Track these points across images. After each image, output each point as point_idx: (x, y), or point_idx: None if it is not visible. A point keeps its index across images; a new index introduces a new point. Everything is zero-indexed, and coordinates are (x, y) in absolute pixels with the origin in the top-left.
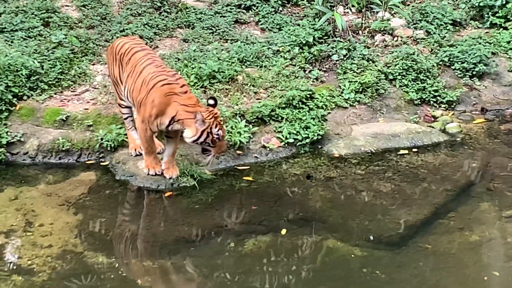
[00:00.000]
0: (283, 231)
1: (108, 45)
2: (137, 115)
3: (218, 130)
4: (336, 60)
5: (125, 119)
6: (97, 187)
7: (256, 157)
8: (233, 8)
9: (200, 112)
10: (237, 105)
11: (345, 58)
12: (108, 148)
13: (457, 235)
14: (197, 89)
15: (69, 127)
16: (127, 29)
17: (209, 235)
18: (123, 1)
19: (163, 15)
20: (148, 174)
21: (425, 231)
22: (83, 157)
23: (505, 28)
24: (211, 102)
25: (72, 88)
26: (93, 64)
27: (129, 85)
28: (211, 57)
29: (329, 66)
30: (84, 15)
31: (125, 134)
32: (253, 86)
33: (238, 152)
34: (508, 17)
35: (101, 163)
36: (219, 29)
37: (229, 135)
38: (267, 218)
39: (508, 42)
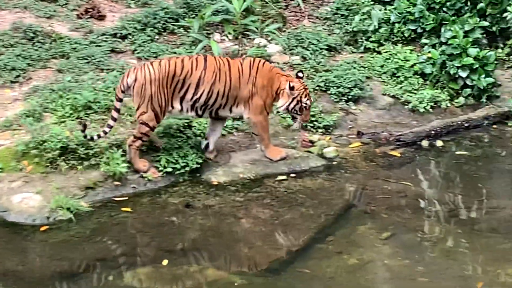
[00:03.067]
0: (164, 262)
1: None
2: (251, 114)
3: (306, 100)
4: None
5: (145, 141)
6: None
7: (134, 187)
8: (108, 37)
9: (292, 81)
10: (113, 135)
11: None
12: None
13: (336, 259)
14: (73, 120)
15: None
16: None
17: (87, 269)
18: None
19: (36, 46)
20: (279, 160)
21: (304, 256)
22: None
23: (379, 53)
24: (300, 74)
25: None
26: None
27: (218, 90)
28: (87, 87)
29: None
30: None
31: None
32: (130, 115)
33: (116, 183)
34: (381, 41)
35: None
36: (94, 59)
37: (107, 167)
38: (147, 249)
39: (382, 66)
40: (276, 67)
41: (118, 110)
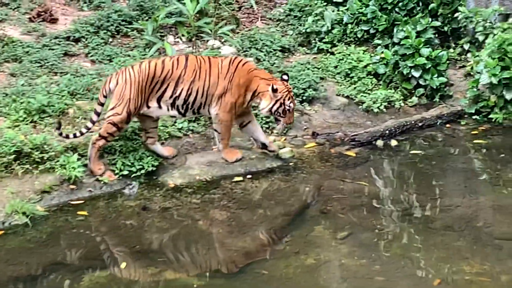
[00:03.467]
0: (123, 265)
1: None
2: (219, 110)
3: (290, 103)
4: None
5: (109, 141)
6: None
7: (90, 190)
8: (61, 41)
9: (276, 84)
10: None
11: None
12: None
13: (293, 259)
14: (27, 124)
15: None
16: None
17: (44, 273)
18: None
19: None
20: (235, 161)
21: (262, 257)
22: None
23: (332, 53)
24: (285, 77)
25: None
26: None
27: (197, 88)
28: (40, 91)
29: None
30: None
31: None
32: (85, 119)
33: (71, 186)
34: (334, 42)
35: None
36: (47, 62)
37: (62, 170)
38: (104, 253)
39: (335, 67)
40: (263, 69)
41: (98, 114)
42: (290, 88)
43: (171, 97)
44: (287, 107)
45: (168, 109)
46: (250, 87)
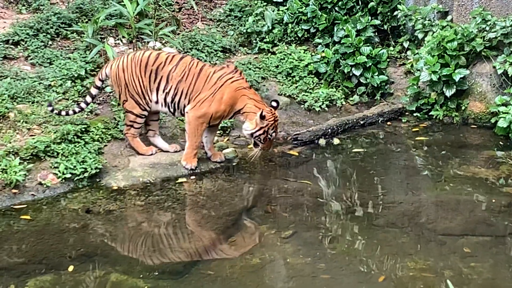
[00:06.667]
0: (69, 268)
1: None
2: (191, 111)
3: (273, 132)
4: (110, 92)
5: (137, 128)
6: None
7: (33, 194)
8: (0, 44)
9: (265, 110)
10: (10, 142)
11: None
12: None
13: (239, 259)
14: None
15: None
16: None
17: None
18: None
19: None
20: (185, 167)
21: (207, 258)
22: None
23: (273, 53)
24: (274, 104)
25: None
26: None
27: (182, 89)
28: None
29: (103, 98)
30: None
31: None
32: (26, 122)
33: (13, 191)
34: (275, 42)
35: None
36: None
37: (4, 175)
38: (48, 257)
39: (277, 67)
40: (253, 89)
41: (93, 96)
42: (277, 117)
43: (163, 92)
44: (269, 136)
45: (162, 105)
46: (235, 106)
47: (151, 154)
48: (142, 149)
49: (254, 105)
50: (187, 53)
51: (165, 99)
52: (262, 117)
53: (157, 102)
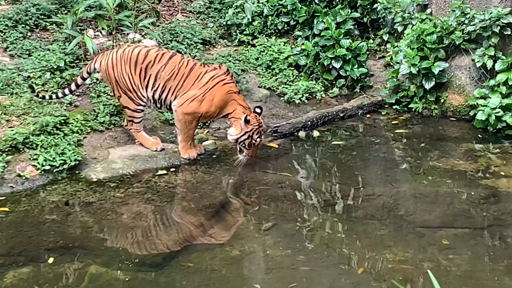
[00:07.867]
0: (49, 260)
1: None
2: (179, 108)
3: (257, 137)
4: (90, 84)
5: (138, 122)
6: None
7: (11, 186)
8: None
9: (250, 115)
10: None
11: (98, 82)
12: None
13: (218, 251)
14: None
15: None
16: None
17: None
18: None
19: None
20: (188, 158)
21: (187, 250)
22: None
23: (253, 46)
24: (258, 110)
25: None
26: None
27: (170, 87)
28: None
29: (83, 90)
30: None
31: None
32: (5, 114)
33: None
34: (255, 34)
35: None
36: None
37: None
38: (27, 249)
39: (257, 59)
40: (241, 95)
41: (78, 85)
42: (261, 123)
43: (151, 89)
44: (254, 141)
45: (150, 101)
46: (225, 109)
47: (159, 150)
48: (148, 143)
49: (242, 112)
50: (167, 45)
51: (153, 96)
52: (247, 121)
53: (147, 99)
